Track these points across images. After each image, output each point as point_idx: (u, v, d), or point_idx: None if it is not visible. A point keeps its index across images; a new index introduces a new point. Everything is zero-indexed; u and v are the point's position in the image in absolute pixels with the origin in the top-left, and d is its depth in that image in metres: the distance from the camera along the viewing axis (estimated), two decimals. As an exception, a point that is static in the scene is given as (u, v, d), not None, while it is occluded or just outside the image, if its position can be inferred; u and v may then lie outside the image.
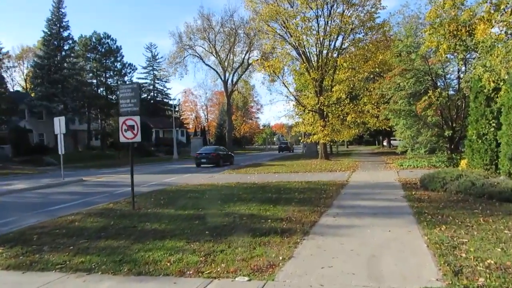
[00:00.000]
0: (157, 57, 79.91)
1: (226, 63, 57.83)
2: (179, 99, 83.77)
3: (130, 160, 9.70)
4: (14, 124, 40.54)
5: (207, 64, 58.10)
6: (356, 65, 22.89)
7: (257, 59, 27.54)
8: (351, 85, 23.61)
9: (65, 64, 44.77)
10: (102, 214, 8.95)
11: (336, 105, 24.38)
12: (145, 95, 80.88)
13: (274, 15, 22.28)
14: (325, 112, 24.71)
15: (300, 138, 27.83)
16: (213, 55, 57.23)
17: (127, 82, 51.12)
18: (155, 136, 65.16)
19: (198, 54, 56.71)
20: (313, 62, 25.04)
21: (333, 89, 23.78)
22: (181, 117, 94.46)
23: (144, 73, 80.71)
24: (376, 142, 64.95)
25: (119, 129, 9.57)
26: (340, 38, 24.43)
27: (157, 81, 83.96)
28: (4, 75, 62.45)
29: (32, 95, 46.79)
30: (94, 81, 48.31)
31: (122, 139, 9.50)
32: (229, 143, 57.71)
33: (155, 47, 77.11)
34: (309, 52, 25.06)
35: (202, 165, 26.18)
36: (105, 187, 15.90)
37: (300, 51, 24.64)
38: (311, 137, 24.85)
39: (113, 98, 50.71)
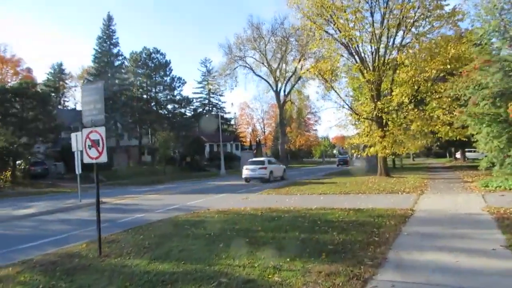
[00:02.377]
0: (211, 71, 79.33)
1: (277, 73, 55.31)
2: (235, 113, 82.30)
3: (96, 187, 7.08)
4: (67, 141, 40.90)
5: (258, 75, 56.03)
6: (421, 63, 18.92)
7: (298, 60, 24.24)
8: (416, 87, 19.61)
9: (116, 81, 44.82)
10: (54, 263, 6.41)
11: (397, 111, 20.49)
12: (201, 109, 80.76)
13: (318, 8, 19.10)
14: (384, 120, 20.90)
15: (354, 151, 23.98)
16: (264, 65, 55.07)
17: (176, 95, 50.36)
18: (209, 150, 63.93)
19: (248, 65, 54.85)
20: (368, 62, 21.43)
21: (393, 93, 19.94)
22: (237, 131, 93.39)
23: (199, 87, 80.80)
24: (448, 154, 58.16)
25: (82, 146, 7.03)
26: (400, 33, 20.66)
27: (212, 95, 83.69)
28: (67, 94, 65.22)
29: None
30: (144, 96, 47.85)
31: (85, 159, 6.98)
32: (283, 156, 54.76)
33: (209, 61, 76.15)
34: (362, 50, 21.51)
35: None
36: (116, 212, 13.62)
37: (352, 50, 21.15)
38: (366, 149, 21.06)
39: (164, 112, 50.13)
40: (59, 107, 61.25)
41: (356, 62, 21.04)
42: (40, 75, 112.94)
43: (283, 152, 55.88)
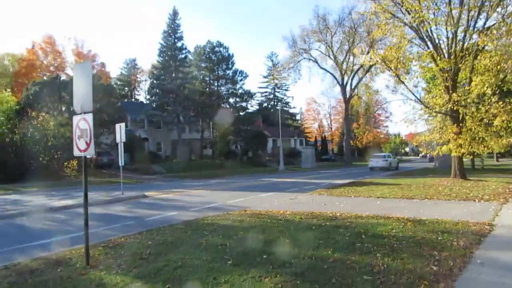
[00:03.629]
0: (277, 66, 78.23)
1: (344, 66, 52.43)
2: (301, 108, 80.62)
3: (84, 184, 6.01)
4: (132, 133, 42.18)
5: (323, 68, 53.63)
6: (508, 47, 15.85)
7: (365, 50, 21.83)
8: (501, 76, 16.52)
9: (179, 74, 45.26)
10: (33, 273, 5.49)
11: (477, 104, 17.52)
12: (266, 104, 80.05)
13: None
14: (460, 115, 18.04)
15: (422, 149, 21.12)
16: (330, 58, 52.51)
17: (238, 89, 49.81)
18: (272, 145, 62.93)
19: (313, 57, 52.65)
20: (442, 49, 18.61)
21: (472, 82, 17.00)
22: (303, 126, 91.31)
23: (264, 82, 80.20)
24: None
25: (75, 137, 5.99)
26: (483, 14, 17.61)
27: (277, 90, 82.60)
28: (138, 88, 67.84)
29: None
30: (207, 89, 47.87)
31: (75, 152, 5.92)
32: (347, 153, 52.02)
33: (276, 55, 74.91)
34: (436, 36, 18.72)
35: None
36: (150, 208, 12.88)
37: (424, 35, 18.45)
38: (437, 148, 18.27)
39: (226, 106, 49.85)
40: (132, 100, 64.10)
41: (428, 48, 18.32)
42: (114, 71, 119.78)
43: (348, 148, 52.99)
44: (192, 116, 45.94)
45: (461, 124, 17.14)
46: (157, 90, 44.44)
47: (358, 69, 50.87)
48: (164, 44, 44.82)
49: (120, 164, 16.18)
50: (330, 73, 53.79)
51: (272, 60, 78.80)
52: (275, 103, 79.87)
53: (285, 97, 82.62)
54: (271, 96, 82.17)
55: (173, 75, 44.45)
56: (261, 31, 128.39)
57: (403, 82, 17.97)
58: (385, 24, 18.13)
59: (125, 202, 14.30)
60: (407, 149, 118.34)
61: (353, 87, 53.00)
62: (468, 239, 6.65)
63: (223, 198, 15.24)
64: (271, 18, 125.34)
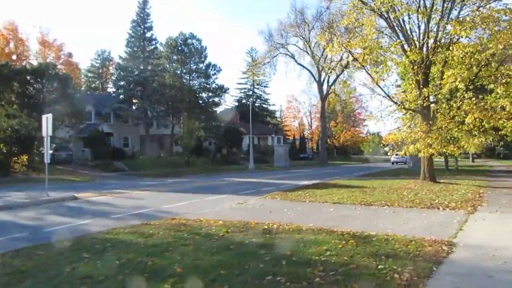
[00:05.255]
0: (256, 61, 76.42)
1: (322, 62, 50.92)
2: (281, 106, 79.03)
3: None
4: (95, 127, 39.72)
5: (299, 64, 52.03)
6: (481, 37, 14.43)
7: (324, 35, 20.18)
8: (475, 70, 15.11)
9: (148, 66, 43.01)
10: None
11: (448, 100, 16.08)
12: (244, 101, 78.13)
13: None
14: (431, 112, 16.61)
15: (389, 150, 19.63)
16: (308, 54, 50.91)
17: (212, 83, 47.86)
18: (248, 142, 61.11)
19: (290, 53, 51.03)
20: (414, 40, 17.14)
21: (444, 76, 15.54)
22: (282, 124, 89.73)
23: (244, 78, 78.43)
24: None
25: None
26: (458, 5, 16.22)
27: (256, 87, 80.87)
28: (110, 80, 65.08)
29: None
30: (178, 83, 45.67)
31: None
32: (323, 151, 50.74)
33: (256, 51, 72.80)
34: (409, 27, 17.24)
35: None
36: (67, 214, 11.04)
37: (394, 24, 16.93)
38: (404, 148, 16.78)
39: (198, 101, 47.76)
40: (101, 93, 61.28)
41: (398, 38, 16.81)
42: (86, 62, 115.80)
43: (323, 147, 51.64)
44: (162, 111, 43.76)
45: (431, 122, 15.65)
46: (123, 83, 42.09)
47: (335, 66, 49.42)
48: (133, 34, 42.49)
49: (45, 162, 14.03)
50: (307, 69, 52.36)
51: (252, 56, 76.78)
52: (254, 100, 78.06)
53: (264, 94, 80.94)
54: (250, 92, 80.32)
55: (141, 67, 42.18)
56: (242, 26, 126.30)
57: (369, 75, 16.40)
58: (353, 12, 16.52)
59: (43, 206, 12.27)
60: (386, 149, 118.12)
61: (330, 84, 51.63)
62: (417, 269, 5.01)
63: (162, 201, 13.43)
64: (253, 13, 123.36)
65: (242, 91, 79.74)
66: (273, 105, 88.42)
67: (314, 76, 51.97)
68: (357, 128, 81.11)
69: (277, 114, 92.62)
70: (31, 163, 29.06)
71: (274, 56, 50.47)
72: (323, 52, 50.41)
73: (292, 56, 51.25)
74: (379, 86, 16.39)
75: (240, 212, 10.58)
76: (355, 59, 15.90)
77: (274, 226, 8.25)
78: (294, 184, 19.71)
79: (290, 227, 8.03)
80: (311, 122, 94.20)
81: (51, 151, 33.46)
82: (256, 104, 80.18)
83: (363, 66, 15.82)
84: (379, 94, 17.05)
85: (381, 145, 24.48)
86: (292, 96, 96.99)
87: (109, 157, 36.45)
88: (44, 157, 30.72)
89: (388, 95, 16.94)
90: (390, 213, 9.82)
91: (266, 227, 8.15)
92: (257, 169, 36.57)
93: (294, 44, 50.99)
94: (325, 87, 51.87)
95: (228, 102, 76.58)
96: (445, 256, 5.72)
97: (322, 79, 51.61)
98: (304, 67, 52.33)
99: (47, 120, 13.57)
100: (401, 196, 12.77)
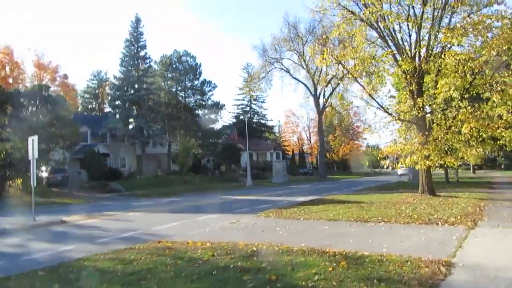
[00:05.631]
0: (253, 77, 76.53)
1: (317, 76, 50.89)
2: (279, 121, 78.84)
3: None
4: (90, 148, 39.36)
5: (295, 78, 51.94)
6: (474, 44, 14.21)
7: (313, 47, 19.96)
8: (469, 78, 14.84)
9: (143, 85, 42.91)
10: None
11: (444, 110, 15.77)
12: (242, 117, 77.99)
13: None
14: (427, 122, 16.28)
15: (384, 162, 19.22)
16: (303, 67, 50.90)
17: (207, 100, 47.71)
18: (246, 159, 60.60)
19: (285, 67, 51.02)
20: (406, 50, 16.92)
21: (437, 85, 15.25)
22: (281, 139, 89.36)
23: (241, 94, 78.48)
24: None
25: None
26: (448, 13, 16.07)
27: (253, 102, 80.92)
28: (107, 101, 65.00)
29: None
30: (174, 101, 45.49)
31: None
32: (322, 166, 50.20)
33: (252, 67, 72.99)
34: (400, 36, 17.03)
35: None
36: (51, 240, 10.63)
37: (385, 33, 16.74)
38: (401, 160, 16.39)
39: (194, 118, 47.51)
40: (98, 114, 61.09)
41: (390, 48, 16.59)
42: (82, 84, 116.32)
43: (322, 162, 51.14)
44: (158, 129, 43.46)
45: (427, 133, 15.29)
46: (119, 102, 41.93)
47: (331, 79, 49.38)
48: (127, 54, 42.45)
49: (31, 185, 13.61)
50: (303, 83, 52.20)
51: (248, 72, 76.93)
52: (252, 116, 77.99)
53: (261, 110, 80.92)
54: (248, 108, 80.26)
55: (136, 86, 42.05)
56: (236, 42, 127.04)
57: (362, 86, 16.14)
58: (342, 23, 16.34)
59: (28, 232, 11.78)
60: (385, 162, 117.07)
61: (326, 97, 51.48)
62: (411, 294, 4.58)
63: (153, 223, 12.94)
64: (248, 29, 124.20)
65: (240, 107, 79.74)
66: (271, 120, 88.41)
67: (310, 90, 51.87)
68: (356, 142, 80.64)
69: (276, 130, 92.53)
70: (25, 187, 28.62)
71: (269, 71, 50.52)
72: (318, 65, 50.54)
73: (287, 71, 51.30)
74: (372, 97, 16.09)
75: (231, 232, 10.17)
76: (347, 71, 15.62)
77: (263, 247, 7.81)
78: (291, 200, 19.30)
79: (280, 248, 7.58)
80: (310, 137, 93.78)
81: (46, 174, 33.40)
82: (254, 120, 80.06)
83: (355, 77, 15.55)
84: (373, 106, 16.74)
85: (379, 158, 24.00)
86: (290, 110, 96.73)
87: (105, 178, 35.98)
88: (40, 180, 30.29)
89: (382, 106, 16.64)
90: (387, 230, 9.35)
91: (255, 248, 7.71)
92: (255, 185, 36.05)
93: (288, 59, 51.10)
94: (321, 100, 51.70)
95: (226, 119, 76.61)
96: (443, 278, 5.28)
97: (318, 93, 51.52)
98: (299, 81, 52.30)
99: (32, 142, 13.22)
100: (399, 211, 12.30)
